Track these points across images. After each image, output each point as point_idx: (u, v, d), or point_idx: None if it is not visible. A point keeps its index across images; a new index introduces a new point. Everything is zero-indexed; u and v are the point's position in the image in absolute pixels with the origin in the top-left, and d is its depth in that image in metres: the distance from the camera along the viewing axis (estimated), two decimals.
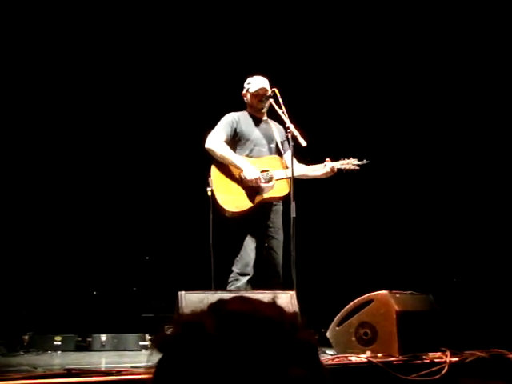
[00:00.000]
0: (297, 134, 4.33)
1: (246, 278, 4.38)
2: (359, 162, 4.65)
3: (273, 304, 0.86)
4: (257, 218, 4.50)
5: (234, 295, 0.89)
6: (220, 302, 0.85)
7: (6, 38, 5.88)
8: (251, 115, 4.75)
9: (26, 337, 5.11)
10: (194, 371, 0.76)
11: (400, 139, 6.63)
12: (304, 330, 0.84)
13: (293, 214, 4.21)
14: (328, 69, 6.68)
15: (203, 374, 0.76)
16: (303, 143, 4.29)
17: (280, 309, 0.85)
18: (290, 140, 4.36)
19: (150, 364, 0.87)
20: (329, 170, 4.57)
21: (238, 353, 0.76)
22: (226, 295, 2.91)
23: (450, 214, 6.40)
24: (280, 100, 4.50)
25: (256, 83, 4.68)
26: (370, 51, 6.66)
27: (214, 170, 4.53)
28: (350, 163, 4.64)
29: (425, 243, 6.42)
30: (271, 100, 4.57)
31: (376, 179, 6.28)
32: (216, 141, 4.55)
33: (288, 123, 4.40)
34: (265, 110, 4.73)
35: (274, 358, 0.76)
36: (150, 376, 0.84)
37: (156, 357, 0.85)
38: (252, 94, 4.69)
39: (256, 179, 4.43)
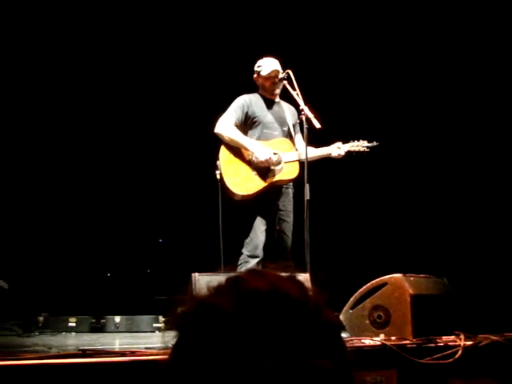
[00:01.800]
0: (311, 116, 4.30)
1: (256, 260, 4.38)
2: (369, 144, 4.63)
3: (294, 280, 0.81)
4: (266, 200, 4.49)
5: (252, 270, 0.85)
6: (237, 278, 0.81)
7: (6, 38, 5.88)
8: (263, 97, 4.71)
9: (41, 318, 5.15)
10: (211, 353, 0.74)
11: (410, 122, 6.56)
12: (328, 310, 0.79)
13: (307, 196, 4.20)
14: (342, 52, 6.61)
15: (221, 356, 0.73)
16: (317, 125, 4.26)
17: (302, 286, 0.81)
18: (304, 122, 4.32)
19: (163, 345, 0.85)
20: (339, 152, 4.55)
21: (257, 335, 0.72)
22: None
23: (465, 198, 6.35)
24: (294, 82, 4.46)
25: (268, 66, 4.62)
26: (382, 33, 6.57)
27: (222, 153, 4.51)
28: (360, 145, 4.62)
29: (440, 226, 6.37)
30: (285, 82, 4.52)
31: (390, 161, 6.24)
32: (225, 125, 4.52)
33: (302, 105, 4.36)
34: (278, 92, 4.69)
35: (297, 343, 0.72)
36: (166, 357, 0.81)
37: (170, 338, 0.82)
38: (264, 77, 4.64)
39: (267, 160, 4.40)
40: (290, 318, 0.74)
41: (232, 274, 0.82)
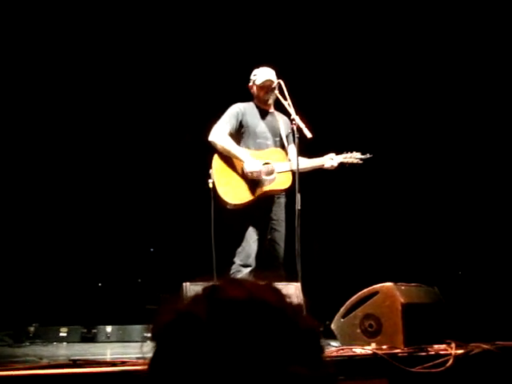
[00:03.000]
0: (302, 125, 4.31)
1: (248, 269, 4.38)
2: (362, 156, 4.65)
3: (271, 288, 0.80)
4: (259, 210, 4.49)
5: (228, 279, 0.84)
6: (214, 287, 0.80)
7: (6, 38, 5.88)
8: (257, 107, 4.72)
9: (32, 328, 5.12)
10: (187, 361, 0.73)
11: (404, 133, 6.60)
12: (307, 317, 0.79)
13: (298, 206, 4.21)
14: (334, 61, 6.65)
15: (197, 365, 0.72)
16: (308, 135, 4.27)
17: (279, 293, 0.80)
18: (295, 132, 4.34)
19: (142, 356, 0.84)
20: (332, 163, 4.57)
21: (233, 343, 0.72)
22: None
23: (455, 206, 6.38)
24: (285, 91, 4.48)
25: (262, 75, 4.64)
26: (376, 43, 6.61)
27: (215, 161, 4.51)
28: (353, 157, 4.64)
29: (430, 235, 6.40)
30: (276, 91, 4.54)
31: (381, 172, 6.27)
32: (219, 133, 4.53)
33: (293, 115, 4.38)
34: (271, 102, 4.70)
35: (274, 351, 0.72)
36: (145, 368, 0.81)
37: (148, 348, 0.82)
38: (258, 86, 4.66)
39: (257, 172, 4.41)
40: (266, 326, 0.74)
41: (209, 283, 0.82)
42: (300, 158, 4.44)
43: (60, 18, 6.11)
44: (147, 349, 0.82)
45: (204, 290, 0.81)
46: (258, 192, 4.46)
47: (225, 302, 0.76)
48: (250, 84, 4.73)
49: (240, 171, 4.49)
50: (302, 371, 0.72)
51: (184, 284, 3.36)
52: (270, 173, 4.47)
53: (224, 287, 0.80)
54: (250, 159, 4.45)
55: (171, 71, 6.59)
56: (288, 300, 0.80)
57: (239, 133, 4.62)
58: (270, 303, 0.77)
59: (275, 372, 0.71)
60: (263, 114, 4.72)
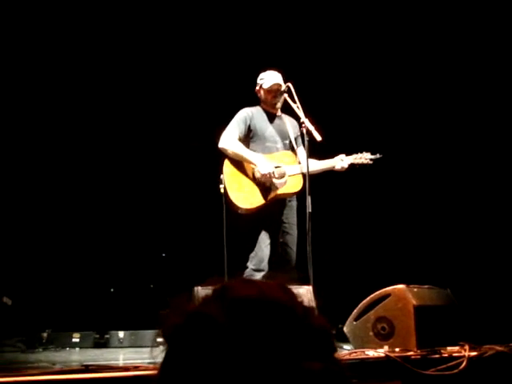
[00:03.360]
0: (311, 128, 4.30)
1: (261, 273, 4.37)
2: (372, 156, 4.64)
3: (282, 287, 0.81)
4: (270, 214, 4.49)
5: (238, 279, 0.84)
6: (224, 287, 0.80)
7: (6, 38, 5.91)
8: (265, 111, 4.73)
9: (45, 334, 5.15)
10: (203, 362, 0.73)
11: (414, 134, 6.57)
12: (318, 316, 0.79)
13: (308, 208, 4.19)
14: (342, 64, 6.64)
15: (212, 366, 0.72)
16: (318, 138, 4.26)
17: (290, 292, 0.80)
18: (305, 135, 4.33)
19: (152, 360, 0.83)
20: (342, 164, 4.56)
21: (249, 342, 0.72)
22: None
23: (468, 206, 6.34)
24: (294, 94, 4.47)
25: (269, 79, 4.64)
26: (385, 45, 6.60)
27: (226, 166, 4.52)
28: (363, 157, 4.63)
29: (443, 237, 6.36)
30: (285, 95, 4.54)
31: (393, 173, 6.25)
32: (229, 139, 4.53)
33: (303, 118, 4.37)
34: (279, 106, 4.70)
35: (287, 348, 0.72)
36: (155, 372, 0.80)
37: (159, 352, 0.81)
38: (266, 90, 4.66)
39: (270, 173, 4.41)
40: (279, 324, 0.74)
41: (219, 284, 0.82)
42: (310, 160, 4.44)
43: (65, 20, 6.14)
44: (157, 353, 0.81)
45: (215, 290, 0.81)
46: (270, 196, 4.46)
47: (239, 302, 0.76)
48: (257, 88, 4.73)
49: (251, 176, 4.49)
50: (316, 367, 0.72)
51: (195, 288, 3.36)
52: (282, 176, 4.47)
53: (235, 287, 0.80)
54: (263, 161, 4.45)
55: (179, 77, 6.61)
56: (299, 299, 0.80)
57: (248, 137, 4.62)
58: (281, 302, 0.77)
59: (290, 369, 0.71)
60: (271, 117, 4.72)
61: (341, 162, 4.58)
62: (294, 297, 0.80)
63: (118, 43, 6.40)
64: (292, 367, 0.71)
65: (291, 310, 0.77)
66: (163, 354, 0.80)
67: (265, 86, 4.65)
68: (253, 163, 4.47)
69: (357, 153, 4.64)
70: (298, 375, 0.71)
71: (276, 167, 4.48)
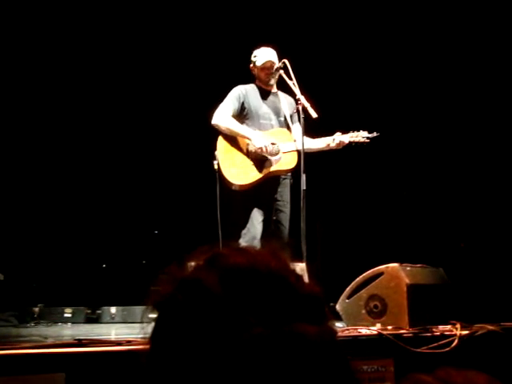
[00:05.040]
0: (307, 105, 4.27)
1: None
2: (369, 135, 4.60)
3: (274, 254, 0.79)
4: (264, 190, 4.47)
5: (230, 247, 0.82)
6: (216, 255, 0.78)
7: (6, 38, 5.85)
8: (259, 88, 4.68)
9: (37, 309, 5.15)
10: (196, 332, 0.71)
11: (411, 111, 6.54)
12: (311, 283, 0.78)
13: (303, 186, 4.18)
14: (340, 40, 6.58)
15: (207, 335, 0.70)
16: (314, 115, 4.23)
17: (282, 259, 0.79)
18: (301, 112, 4.31)
19: (143, 335, 0.79)
20: (338, 142, 4.54)
21: (243, 310, 0.70)
22: None
23: (460, 187, 6.35)
24: (290, 71, 4.43)
25: (262, 56, 4.59)
26: (382, 21, 6.55)
27: (220, 143, 4.49)
28: (360, 136, 4.59)
29: (436, 216, 6.38)
30: (281, 71, 4.50)
31: (387, 151, 6.23)
32: (222, 116, 4.50)
33: (298, 94, 4.34)
34: (273, 83, 4.65)
35: (281, 315, 0.71)
36: (146, 346, 0.77)
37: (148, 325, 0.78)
38: (259, 68, 4.61)
39: (265, 147, 4.38)
40: (271, 291, 0.73)
41: (210, 253, 0.80)
42: (305, 137, 4.41)
43: (61, 18, 6.09)
44: (149, 329, 0.78)
45: (206, 258, 0.79)
46: (264, 173, 4.44)
47: (231, 270, 0.75)
48: (251, 65, 4.69)
49: (245, 152, 4.47)
50: (311, 330, 0.71)
51: (188, 264, 3.35)
52: (276, 153, 4.44)
53: (227, 255, 0.78)
54: (257, 135, 4.42)
55: (172, 54, 6.54)
56: (291, 267, 0.79)
57: (242, 115, 4.58)
58: (273, 269, 0.76)
59: (285, 334, 0.70)
60: (265, 94, 4.68)
61: (337, 139, 4.55)
62: (286, 264, 0.79)
63: (107, 30, 6.32)
64: (285, 332, 0.70)
65: (284, 277, 0.76)
66: (153, 324, 0.77)
67: (258, 64, 4.60)
68: (247, 137, 4.44)
69: (353, 131, 4.61)
70: (291, 339, 0.70)
71: (271, 144, 4.45)
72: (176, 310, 0.74)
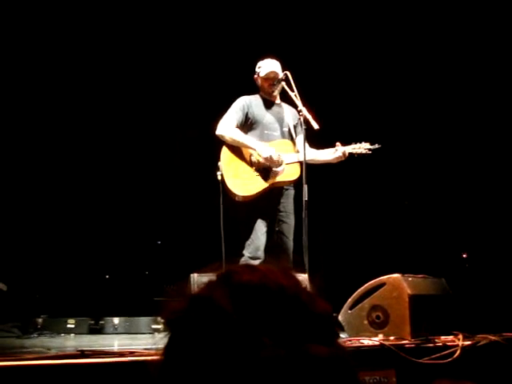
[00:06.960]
0: (309, 117, 4.30)
1: (257, 261, 4.36)
2: (371, 147, 4.62)
3: (285, 272, 0.80)
4: (267, 201, 4.48)
5: (242, 265, 0.83)
6: (230, 272, 0.79)
7: (6, 37, 5.88)
8: (263, 99, 4.71)
9: (40, 320, 5.14)
10: (208, 349, 0.72)
11: (411, 123, 6.56)
12: (321, 302, 0.79)
13: (305, 197, 4.20)
14: (341, 52, 6.62)
15: (219, 352, 0.71)
16: (315, 126, 4.26)
17: (294, 278, 0.80)
18: (303, 123, 4.33)
19: (155, 346, 0.81)
20: (340, 154, 4.55)
21: (255, 329, 0.71)
22: None
23: (461, 198, 6.36)
24: (292, 83, 4.46)
25: (266, 67, 4.63)
26: (384, 33, 6.58)
27: (223, 154, 4.51)
28: (362, 147, 4.61)
29: (438, 227, 6.38)
30: (283, 83, 4.53)
31: (389, 163, 6.24)
32: (227, 126, 4.52)
33: (300, 106, 4.37)
34: (276, 94, 4.69)
35: (293, 334, 0.72)
36: (157, 358, 0.79)
37: (157, 338, 0.80)
38: (262, 78, 4.65)
39: (270, 157, 4.40)
40: (283, 309, 0.74)
41: (223, 270, 0.81)
42: (308, 148, 4.43)
43: (59, 17, 6.11)
44: (155, 340, 0.80)
45: (218, 275, 0.80)
46: (267, 184, 4.45)
47: (243, 287, 0.76)
48: (255, 76, 4.73)
49: (249, 163, 4.48)
50: (323, 351, 0.72)
51: (191, 275, 3.36)
52: (280, 164, 4.46)
53: (239, 272, 0.79)
54: (262, 145, 4.44)
55: (178, 65, 6.58)
56: (302, 285, 0.80)
57: (246, 125, 4.61)
58: (285, 287, 0.76)
59: (297, 355, 0.71)
60: (269, 105, 4.71)
61: (339, 151, 4.56)
62: (297, 282, 0.80)
63: (111, 31, 6.35)
64: (299, 353, 0.71)
65: (296, 296, 0.76)
66: (165, 340, 0.79)
67: (261, 74, 4.65)
68: (251, 148, 4.46)
69: (355, 143, 4.63)
70: (305, 360, 0.71)
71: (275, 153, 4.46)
72: (188, 328, 0.76)
